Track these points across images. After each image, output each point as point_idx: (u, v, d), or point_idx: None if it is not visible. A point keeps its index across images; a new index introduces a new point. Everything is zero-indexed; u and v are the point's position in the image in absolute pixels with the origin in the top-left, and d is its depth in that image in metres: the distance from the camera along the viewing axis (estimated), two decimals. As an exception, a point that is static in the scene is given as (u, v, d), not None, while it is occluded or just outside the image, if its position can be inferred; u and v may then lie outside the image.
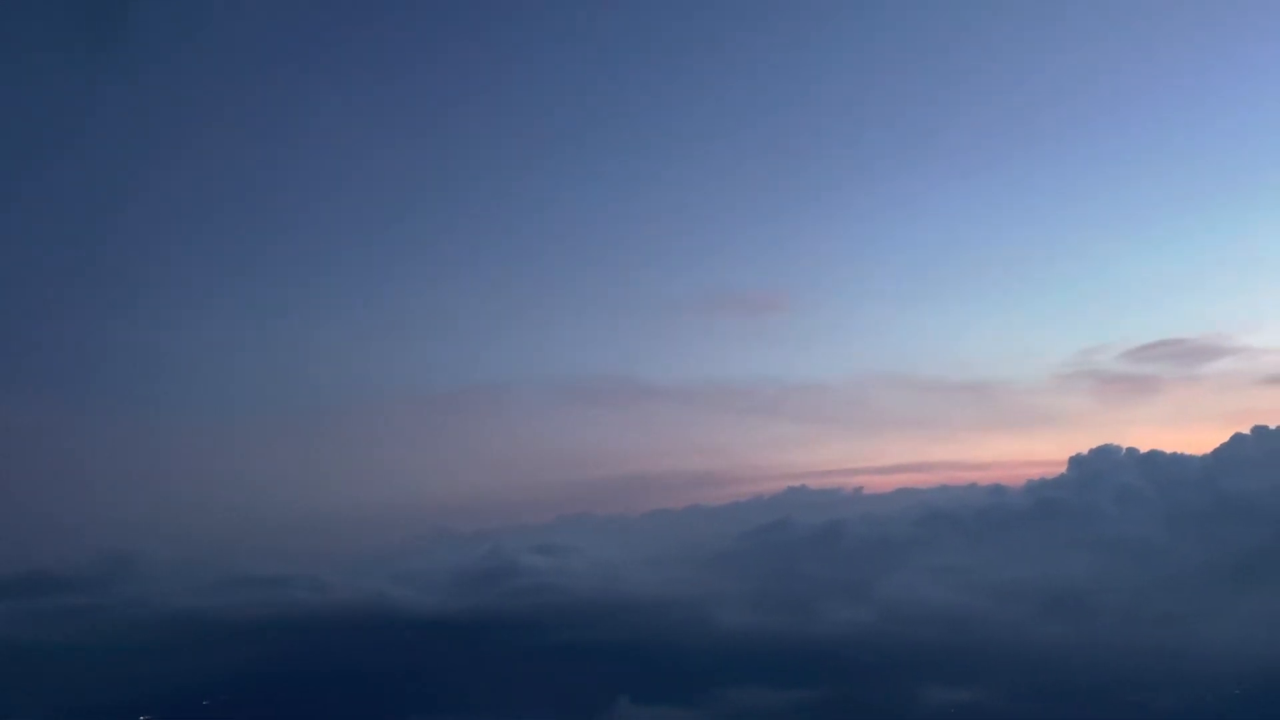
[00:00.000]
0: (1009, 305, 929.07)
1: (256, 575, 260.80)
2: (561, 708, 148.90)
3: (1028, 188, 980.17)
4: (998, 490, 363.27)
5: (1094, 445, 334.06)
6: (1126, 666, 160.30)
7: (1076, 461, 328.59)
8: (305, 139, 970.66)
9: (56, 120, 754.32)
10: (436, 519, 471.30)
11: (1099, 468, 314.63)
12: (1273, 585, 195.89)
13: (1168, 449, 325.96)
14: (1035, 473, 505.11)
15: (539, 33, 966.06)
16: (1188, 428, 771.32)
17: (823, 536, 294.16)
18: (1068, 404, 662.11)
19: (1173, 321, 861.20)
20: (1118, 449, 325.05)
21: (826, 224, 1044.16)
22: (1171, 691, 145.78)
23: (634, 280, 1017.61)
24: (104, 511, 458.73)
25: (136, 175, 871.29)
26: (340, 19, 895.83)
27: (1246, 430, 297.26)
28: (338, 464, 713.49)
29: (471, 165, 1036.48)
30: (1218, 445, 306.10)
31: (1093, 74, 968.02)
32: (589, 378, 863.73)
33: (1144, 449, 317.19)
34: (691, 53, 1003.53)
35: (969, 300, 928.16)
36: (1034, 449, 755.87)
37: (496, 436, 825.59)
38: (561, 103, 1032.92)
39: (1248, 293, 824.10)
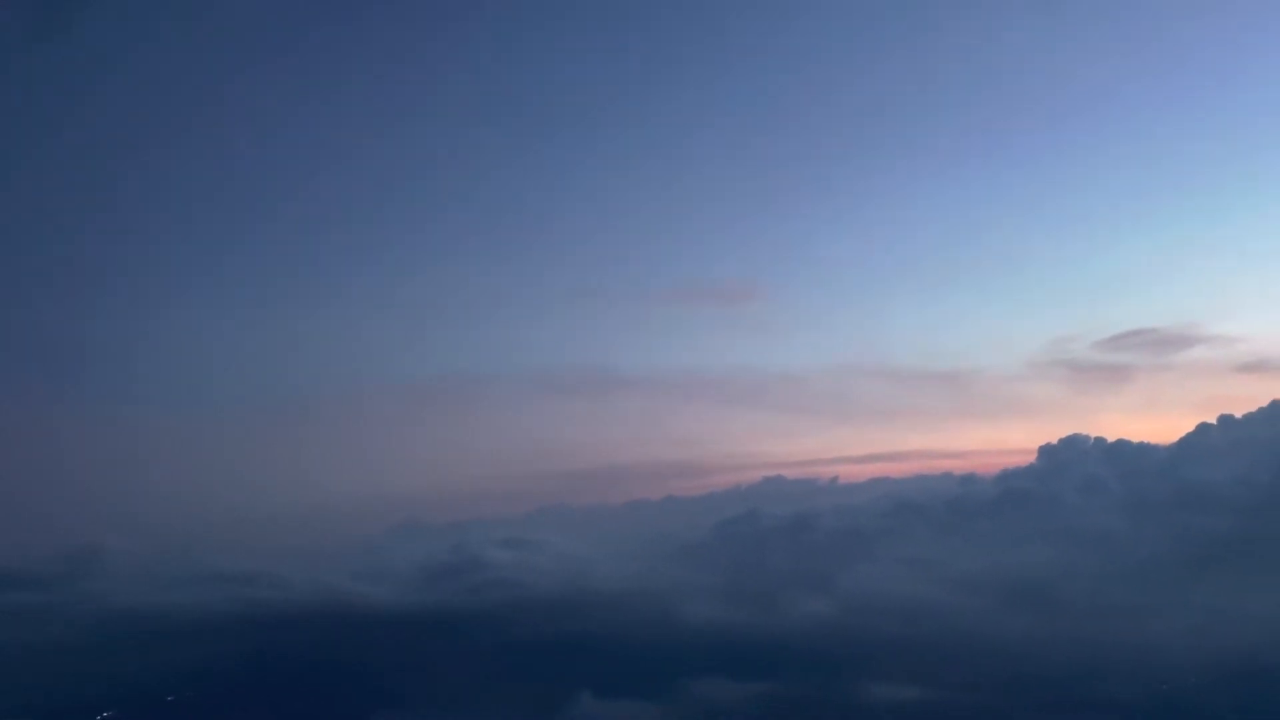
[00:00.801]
0: (983, 294, 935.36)
1: (222, 571, 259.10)
2: (523, 703, 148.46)
3: (1002, 179, 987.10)
4: (968, 480, 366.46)
5: (1068, 434, 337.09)
6: (1085, 657, 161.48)
7: (1045, 451, 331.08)
8: (283, 131, 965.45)
9: (38, 111, 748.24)
10: (411, 511, 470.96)
11: (1066, 457, 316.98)
12: (1231, 575, 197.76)
13: (1140, 437, 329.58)
14: (1010, 461, 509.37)
15: (517, 27, 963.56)
16: (1160, 416, 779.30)
17: (792, 528, 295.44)
18: (1042, 393, 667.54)
19: (1145, 310, 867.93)
20: (1085, 438, 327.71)
21: (799, 215, 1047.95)
22: (1128, 682, 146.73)
23: (609, 272, 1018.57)
24: (69, 506, 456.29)
25: (112, 166, 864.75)
26: (322, 11, 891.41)
27: (1217, 419, 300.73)
28: (311, 456, 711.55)
29: (446, 158, 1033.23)
30: (1183, 435, 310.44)
31: (1065, 71, 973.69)
32: (565, 369, 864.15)
33: (1116, 438, 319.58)
34: (667, 47, 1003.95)
35: (943, 290, 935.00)
36: (1010, 437, 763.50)
37: (472, 428, 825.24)
38: (538, 97, 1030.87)
39: (1220, 281, 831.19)
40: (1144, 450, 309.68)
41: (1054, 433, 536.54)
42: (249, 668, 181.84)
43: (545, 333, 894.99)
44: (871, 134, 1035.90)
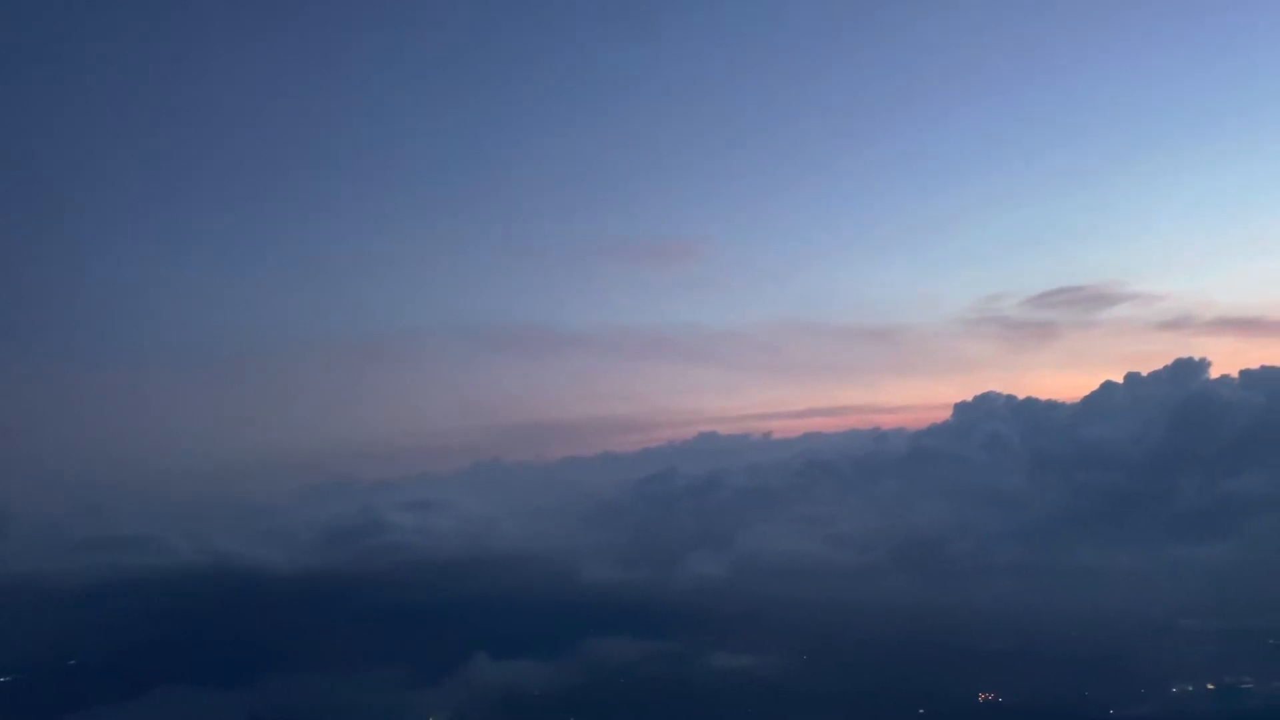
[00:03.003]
0: (916, 253, 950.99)
1: (124, 535, 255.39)
2: (416, 666, 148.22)
3: (935, 142, 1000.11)
4: (882, 437, 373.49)
5: (999, 388, 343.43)
6: (965, 613, 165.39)
7: (960, 408, 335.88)
8: (218, 84, 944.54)
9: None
10: (342, 469, 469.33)
11: (977, 415, 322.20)
12: (1113, 532, 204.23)
13: (1065, 393, 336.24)
14: (942, 416, 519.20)
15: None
16: (1084, 372, 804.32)
17: (704, 487, 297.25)
18: (973, 349, 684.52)
19: (1072, 269, 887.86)
20: (998, 396, 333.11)
21: (739, 176, 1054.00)
22: (1003, 636, 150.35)
23: (548, 228, 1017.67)
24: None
25: (32, 115, 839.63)
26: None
27: (1142, 373, 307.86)
28: (245, 412, 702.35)
29: (386, 114, 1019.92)
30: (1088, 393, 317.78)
31: (994, 40, 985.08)
32: (504, 325, 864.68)
33: (1039, 394, 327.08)
34: (608, 8, 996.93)
35: (877, 248, 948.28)
36: (943, 392, 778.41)
37: (410, 383, 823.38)
38: (476, 53, 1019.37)
39: (1143, 241, 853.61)
40: (1050, 408, 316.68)
41: (983, 388, 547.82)
42: (146, 632, 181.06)
43: (485, 289, 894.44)
44: (809, 99, 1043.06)
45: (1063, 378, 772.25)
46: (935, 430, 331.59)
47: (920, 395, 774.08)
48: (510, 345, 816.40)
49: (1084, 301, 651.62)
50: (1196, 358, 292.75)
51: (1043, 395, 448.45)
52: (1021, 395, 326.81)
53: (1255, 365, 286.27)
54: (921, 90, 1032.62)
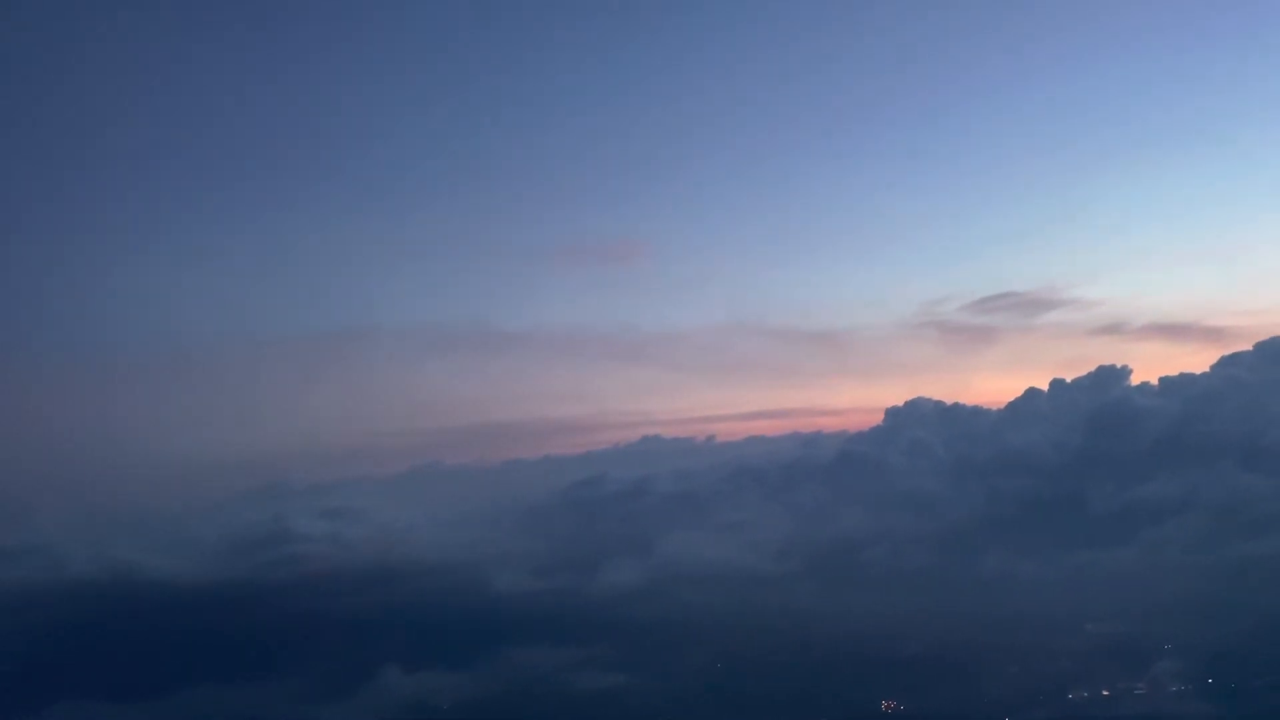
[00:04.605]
0: (858, 257, 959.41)
1: (29, 543, 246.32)
2: (322, 680, 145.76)
3: (878, 147, 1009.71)
4: (812, 442, 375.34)
5: (940, 392, 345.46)
6: (879, 619, 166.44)
7: (890, 413, 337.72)
8: (166, 79, 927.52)
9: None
10: (281, 471, 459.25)
11: (905, 420, 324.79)
12: (1032, 536, 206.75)
13: (1004, 396, 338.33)
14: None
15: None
16: (1023, 375, 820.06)
17: (631, 493, 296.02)
18: (917, 352, 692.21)
19: (1010, 274, 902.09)
20: (927, 401, 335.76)
21: (685, 176, 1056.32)
22: (913, 642, 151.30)
23: (492, 227, 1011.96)
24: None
25: None
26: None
27: (1067, 380, 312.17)
28: (180, 414, 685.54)
29: (329, 112, 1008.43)
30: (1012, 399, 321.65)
31: (937, 47, 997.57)
32: (446, 325, 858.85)
33: (979, 398, 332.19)
34: (553, 10, 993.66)
35: (821, 252, 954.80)
36: (886, 395, 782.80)
37: (352, 383, 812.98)
38: (423, 53, 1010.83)
39: (1080, 248, 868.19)
40: (976, 414, 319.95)
41: (926, 391, 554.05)
42: (48, 645, 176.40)
43: (427, 289, 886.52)
44: (755, 101, 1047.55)
45: (1001, 381, 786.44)
46: (864, 436, 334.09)
47: (864, 398, 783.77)
48: (456, 345, 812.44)
49: (1023, 306, 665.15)
50: (1119, 365, 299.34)
51: (983, 399, 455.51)
52: (963, 399, 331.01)
53: (1183, 371, 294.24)
54: (868, 98, 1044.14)
